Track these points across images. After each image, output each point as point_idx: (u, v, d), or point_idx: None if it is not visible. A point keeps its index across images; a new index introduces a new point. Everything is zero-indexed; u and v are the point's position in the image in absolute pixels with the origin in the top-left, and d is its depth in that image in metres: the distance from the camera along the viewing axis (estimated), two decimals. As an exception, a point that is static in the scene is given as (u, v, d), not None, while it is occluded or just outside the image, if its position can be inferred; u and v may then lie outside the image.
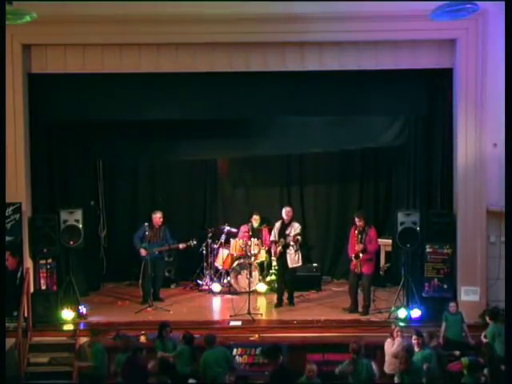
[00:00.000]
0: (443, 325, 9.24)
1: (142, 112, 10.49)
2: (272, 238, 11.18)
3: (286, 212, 11.06)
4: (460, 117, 10.13)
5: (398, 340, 8.57)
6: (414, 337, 8.36)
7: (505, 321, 8.13)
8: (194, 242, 11.69)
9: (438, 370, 8.27)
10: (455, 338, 9.14)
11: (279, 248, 10.89)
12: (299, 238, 10.84)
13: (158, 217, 11.42)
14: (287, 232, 10.89)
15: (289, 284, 11.14)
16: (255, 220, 12.40)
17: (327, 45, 10.18)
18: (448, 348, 8.97)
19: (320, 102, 10.57)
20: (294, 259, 10.90)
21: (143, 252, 11.18)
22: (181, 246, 11.56)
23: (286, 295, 11.18)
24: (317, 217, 13.37)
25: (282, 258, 10.96)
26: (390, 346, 8.65)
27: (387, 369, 8.62)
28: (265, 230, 12.14)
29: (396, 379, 8.11)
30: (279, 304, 11.07)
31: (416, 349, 8.23)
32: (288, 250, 10.84)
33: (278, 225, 11.13)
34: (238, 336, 9.61)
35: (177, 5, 9.72)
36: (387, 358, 8.65)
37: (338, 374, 8.01)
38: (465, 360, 8.02)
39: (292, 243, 10.77)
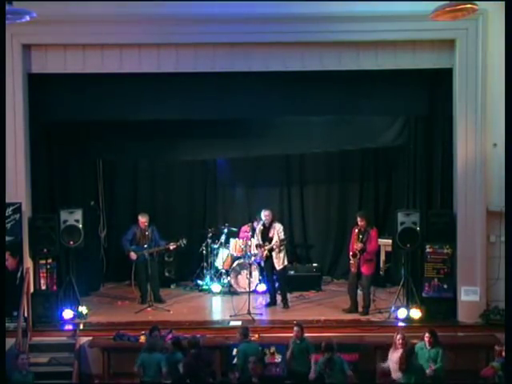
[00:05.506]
0: None
1: (142, 112, 10.48)
2: (255, 242, 11.19)
3: (264, 215, 11.02)
4: (460, 117, 10.11)
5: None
6: (426, 334, 8.31)
7: (505, 321, 8.11)
8: (184, 242, 11.54)
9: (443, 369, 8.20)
10: None
11: (265, 252, 10.90)
12: (284, 242, 10.87)
13: (142, 221, 11.33)
14: (270, 235, 10.90)
15: (281, 285, 11.14)
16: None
17: (327, 45, 10.17)
18: None
19: (320, 102, 10.55)
20: (279, 261, 10.90)
21: (133, 255, 11.16)
22: (171, 246, 11.49)
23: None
24: (317, 217, 13.37)
25: (268, 260, 10.99)
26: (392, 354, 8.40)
27: (394, 375, 8.36)
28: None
29: (402, 379, 8.09)
30: (272, 303, 11.07)
31: (428, 346, 8.23)
32: (273, 253, 10.86)
33: (259, 228, 11.12)
34: (238, 336, 9.60)
35: (177, 5, 9.73)
36: (391, 365, 8.38)
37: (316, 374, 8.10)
38: (496, 364, 7.98)
39: (275, 247, 10.78)
